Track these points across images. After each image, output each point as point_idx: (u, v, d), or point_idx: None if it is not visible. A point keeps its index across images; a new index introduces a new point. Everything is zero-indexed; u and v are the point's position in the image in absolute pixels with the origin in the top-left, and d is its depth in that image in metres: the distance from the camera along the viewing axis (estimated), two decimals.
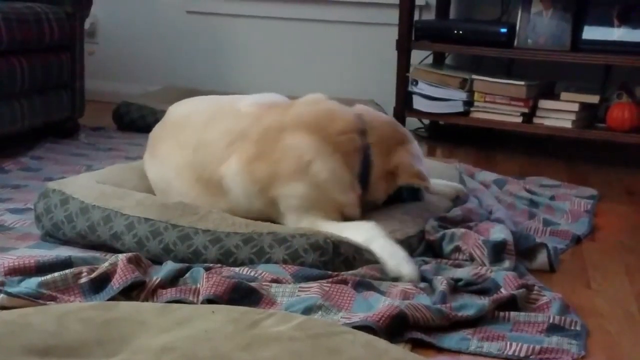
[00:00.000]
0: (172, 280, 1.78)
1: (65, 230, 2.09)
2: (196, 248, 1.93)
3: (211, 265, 1.87)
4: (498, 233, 2.05)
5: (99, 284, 1.74)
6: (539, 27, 3.48)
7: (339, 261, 1.89)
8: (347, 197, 2.08)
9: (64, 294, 1.70)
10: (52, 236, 2.13)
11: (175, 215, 2.00)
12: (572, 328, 1.65)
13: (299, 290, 1.75)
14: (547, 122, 3.46)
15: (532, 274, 1.98)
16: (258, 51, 4.38)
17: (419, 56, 3.80)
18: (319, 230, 1.95)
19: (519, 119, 3.49)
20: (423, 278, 1.88)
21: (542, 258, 2.07)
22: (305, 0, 4.23)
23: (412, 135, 2.27)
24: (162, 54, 4.53)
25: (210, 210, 2.04)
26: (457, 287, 1.84)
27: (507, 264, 1.96)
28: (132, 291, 1.73)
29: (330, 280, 1.79)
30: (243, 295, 1.70)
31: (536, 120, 3.49)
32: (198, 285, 1.74)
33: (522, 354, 1.54)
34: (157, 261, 1.92)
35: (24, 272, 1.78)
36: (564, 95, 3.42)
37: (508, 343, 1.58)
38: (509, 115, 3.50)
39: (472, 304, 1.71)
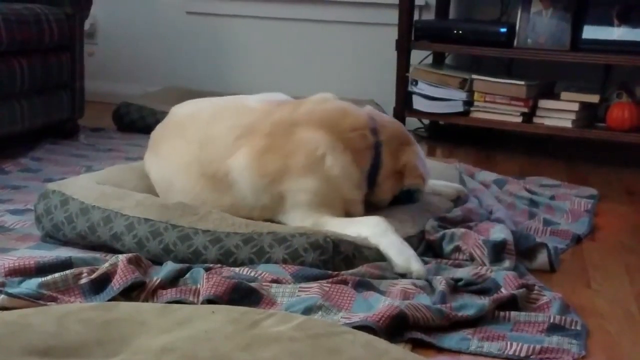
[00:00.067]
0: (172, 281, 1.78)
1: (65, 231, 2.09)
2: (196, 248, 1.93)
3: (211, 265, 1.87)
4: (498, 233, 2.05)
5: (99, 285, 1.74)
6: (539, 26, 3.48)
7: (339, 259, 1.89)
8: (355, 194, 2.09)
9: (64, 295, 1.70)
10: (52, 237, 2.13)
11: (175, 215, 2.00)
12: (573, 328, 1.65)
13: (299, 291, 1.75)
14: (547, 122, 3.46)
15: (532, 274, 1.98)
16: (258, 51, 4.38)
17: (419, 56, 3.80)
18: (319, 229, 1.96)
19: (519, 119, 3.49)
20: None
21: (542, 258, 2.07)
22: (305, 1, 4.23)
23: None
24: (162, 54, 4.54)
25: (210, 210, 2.04)
26: (457, 287, 1.84)
27: (507, 263, 1.96)
28: (132, 292, 1.73)
29: (330, 280, 1.79)
30: (243, 295, 1.70)
31: (536, 120, 3.49)
32: (198, 286, 1.74)
33: (523, 354, 1.54)
34: (157, 261, 1.92)
35: (24, 273, 1.78)
36: (564, 95, 3.42)
37: (508, 343, 1.58)
38: (509, 115, 3.50)
39: (472, 304, 1.71)
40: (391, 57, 3.72)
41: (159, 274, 1.79)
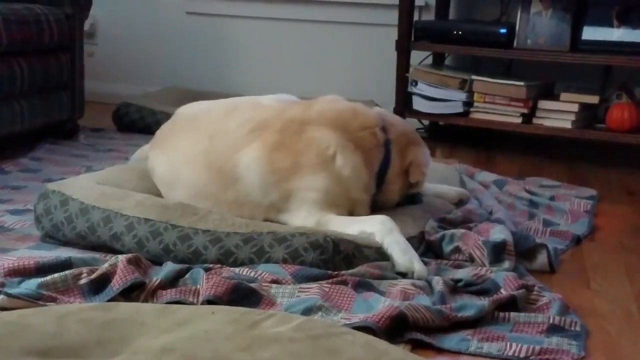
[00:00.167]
0: (172, 281, 1.78)
1: (65, 231, 2.09)
2: (196, 248, 1.93)
3: (211, 265, 1.87)
4: (498, 234, 2.05)
5: (98, 285, 1.74)
6: (539, 27, 3.48)
7: (339, 259, 1.90)
8: (363, 196, 2.10)
9: (64, 295, 1.70)
10: (52, 237, 2.13)
11: (175, 215, 2.00)
12: (572, 328, 1.65)
13: (298, 291, 1.75)
14: (547, 123, 3.46)
15: (532, 275, 1.98)
16: (258, 52, 4.38)
17: (419, 57, 3.80)
18: (320, 229, 1.96)
19: (519, 120, 3.49)
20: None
21: (542, 258, 2.07)
22: (305, 1, 4.23)
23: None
24: (162, 55, 4.54)
25: (210, 210, 2.04)
26: (457, 288, 1.84)
27: (507, 264, 1.96)
28: (132, 292, 1.73)
29: (330, 280, 1.79)
30: (243, 296, 1.70)
31: (536, 121, 3.49)
32: (198, 286, 1.74)
33: (522, 355, 1.54)
34: (157, 262, 1.92)
35: (24, 273, 1.78)
36: (563, 95, 3.42)
37: (508, 344, 1.58)
38: (509, 116, 3.50)
39: (472, 305, 1.71)
40: (391, 57, 3.72)
41: (158, 275, 1.79)
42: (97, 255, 1.98)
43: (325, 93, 2.29)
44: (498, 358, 1.55)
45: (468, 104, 3.57)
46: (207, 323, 1.52)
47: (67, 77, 3.48)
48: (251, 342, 1.45)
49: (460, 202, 2.39)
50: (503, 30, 3.52)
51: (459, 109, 3.58)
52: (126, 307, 1.59)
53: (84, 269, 1.78)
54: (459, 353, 1.57)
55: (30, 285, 1.71)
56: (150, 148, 2.37)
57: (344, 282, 1.79)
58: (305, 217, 2.03)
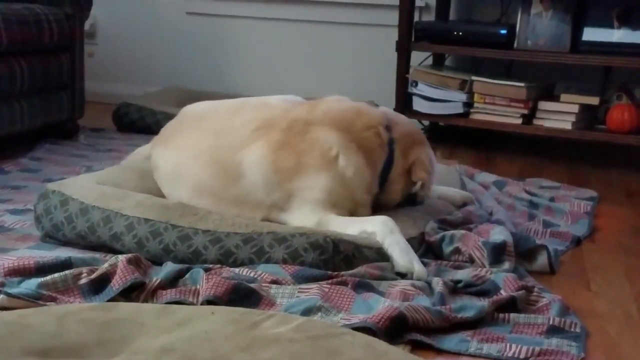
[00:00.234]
0: (172, 281, 1.78)
1: (65, 231, 2.09)
2: (196, 248, 1.93)
3: (211, 266, 1.87)
4: (498, 235, 2.05)
5: (98, 285, 1.74)
6: (539, 28, 3.48)
7: (339, 259, 1.90)
8: (365, 197, 2.11)
9: (64, 295, 1.70)
10: (51, 237, 2.13)
11: (175, 215, 2.00)
12: (572, 330, 1.65)
13: (298, 292, 1.75)
14: (547, 124, 3.46)
15: (532, 276, 1.98)
16: (258, 52, 4.38)
17: (419, 57, 3.80)
18: (320, 229, 1.96)
19: (519, 121, 3.49)
20: None
21: (542, 259, 2.07)
22: (305, 2, 4.23)
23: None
24: (162, 55, 4.54)
25: (210, 210, 2.04)
26: (456, 289, 1.84)
27: (506, 265, 1.96)
28: (132, 292, 1.73)
29: (329, 281, 1.79)
30: (243, 296, 1.70)
31: (536, 122, 3.49)
32: (198, 286, 1.74)
33: (522, 356, 1.54)
34: (157, 262, 1.92)
35: (24, 273, 1.78)
36: (563, 96, 3.42)
37: (508, 345, 1.58)
38: (509, 117, 3.50)
39: (471, 306, 1.71)
40: (391, 58, 3.72)
41: (158, 275, 1.79)
42: (97, 255, 1.98)
43: (326, 93, 2.29)
44: (498, 359, 1.55)
45: (468, 104, 3.57)
46: (207, 323, 1.52)
47: (67, 77, 3.48)
48: (251, 342, 1.45)
49: (464, 205, 2.39)
50: (503, 31, 3.52)
51: (459, 109, 3.58)
52: (126, 307, 1.59)
53: (84, 269, 1.78)
54: (458, 354, 1.57)
55: (30, 285, 1.71)
56: (154, 145, 2.37)
57: (344, 283, 1.79)
58: (306, 216, 2.03)
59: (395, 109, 3.69)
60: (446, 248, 2.04)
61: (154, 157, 2.32)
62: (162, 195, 2.24)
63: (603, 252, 2.28)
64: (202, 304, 1.68)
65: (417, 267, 1.89)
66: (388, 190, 2.17)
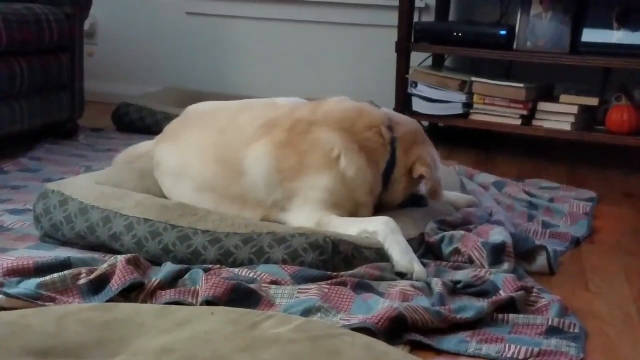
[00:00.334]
0: (172, 282, 1.78)
1: (64, 231, 2.09)
2: (196, 249, 1.93)
3: (210, 266, 1.87)
4: (497, 235, 2.05)
5: (98, 286, 1.74)
6: (539, 29, 3.48)
7: (339, 260, 1.90)
8: (367, 198, 2.11)
9: (63, 296, 1.70)
10: (51, 237, 2.13)
11: (175, 216, 2.00)
12: (571, 331, 1.65)
13: (298, 292, 1.75)
14: (547, 125, 3.46)
15: (531, 277, 1.98)
16: (258, 53, 4.38)
17: (419, 58, 3.80)
18: (320, 229, 1.96)
19: (518, 122, 3.49)
20: None
21: (541, 260, 2.07)
22: (304, 3, 4.23)
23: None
24: (162, 55, 4.54)
25: (210, 211, 2.05)
26: (456, 290, 1.84)
27: (506, 266, 1.96)
28: (131, 292, 1.73)
29: (329, 282, 1.79)
30: (242, 296, 1.70)
31: (535, 123, 3.49)
32: (197, 287, 1.74)
33: (521, 357, 1.54)
34: (157, 262, 1.92)
35: (23, 273, 1.78)
36: (563, 97, 3.42)
37: (507, 345, 1.58)
38: (508, 118, 3.50)
39: (471, 307, 1.71)
40: (391, 58, 3.72)
41: (158, 275, 1.79)
42: (96, 255, 1.98)
43: (326, 94, 2.30)
44: None
45: (468, 105, 3.57)
46: (206, 324, 1.52)
47: (67, 77, 3.48)
48: (251, 343, 1.45)
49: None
50: (503, 32, 3.52)
51: (459, 110, 3.58)
52: (126, 308, 1.59)
53: (83, 270, 1.78)
54: (458, 354, 1.57)
55: (30, 285, 1.70)
56: (158, 143, 2.38)
57: (344, 284, 1.79)
58: (306, 216, 2.04)
59: (395, 110, 3.69)
60: (446, 249, 2.04)
61: (157, 154, 2.32)
62: (162, 196, 2.24)
63: (602, 253, 2.28)
64: (201, 305, 1.68)
65: (417, 267, 1.89)
66: (391, 190, 2.17)
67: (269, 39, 4.35)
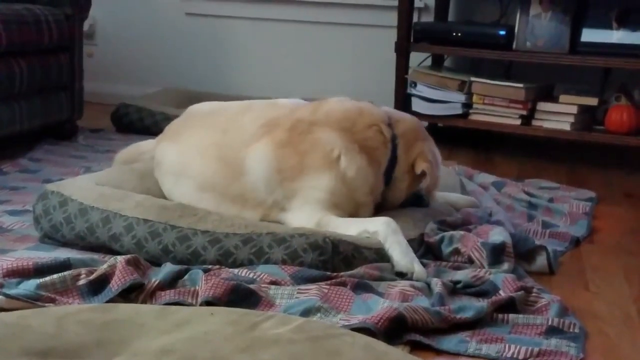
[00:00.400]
0: (171, 282, 1.78)
1: (64, 231, 2.09)
2: (195, 249, 1.93)
3: (210, 267, 1.86)
4: (497, 235, 2.05)
5: (97, 286, 1.74)
6: (538, 29, 3.48)
7: (338, 260, 1.90)
8: (367, 198, 2.11)
9: (63, 296, 1.70)
10: (50, 238, 2.12)
11: (174, 216, 2.00)
12: (571, 330, 1.65)
13: (297, 292, 1.75)
14: (546, 125, 3.46)
15: (531, 276, 1.98)
16: (257, 53, 4.38)
17: (418, 58, 3.80)
18: (320, 229, 1.96)
19: (518, 121, 3.49)
20: None
21: (541, 260, 2.07)
22: (304, 3, 4.23)
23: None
24: (161, 55, 4.54)
25: (209, 211, 2.05)
26: (455, 290, 1.84)
27: (506, 266, 1.96)
28: (131, 293, 1.73)
29: (329, 282, 1.79)
30: (242, 297, 1.70)
31: (535, 123, 3.49)
32: (197, 287, 1.74)
33: (521, 357, 1.54)
34: (156, 262, 1.92)
35: (22, 274, 1.78)
36: (562, 97, 3.42)
37: (506, 345, 1.58)
38: (508, 118, 3.50)
39: (470, 306, 1.71)
40: (390, 59, 3.72)
41: (157, 276, 1.79)
42: (96, 256, 1.98)
43: (325, 94, 2.30)
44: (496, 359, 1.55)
45: (467, 105, 3.57)
46: (206, 324, 1.52)
47: (67, 77, 3.48)
48: (251, 343, 1.45)
49: None
50: (502, 32, 3.53)
51: (458, 110, 3.58)
52: (125, 308, 1.59)
53: (83, 270, 1.78)
54: (457, 354, 1.57)
55: (29, 286, 1.70)
56: (159, 142, 2.38)
57: (343, 284, 1.79)
58: (306, 216, 2.04)
59: None
60: (445, 249, 2.04)
61: (158, 153, 2.32)
62: (162, 196, 2.24)
63: (602, 252, 2.28)
64: (201, 305, 1.68)
65: (417, 268, 1.90)
66: (394, 188, 2.17)
67: (268, 39, 4.35)
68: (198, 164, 2.20)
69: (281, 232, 1.93)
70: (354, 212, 2.10)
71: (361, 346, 1.47)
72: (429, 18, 3.99)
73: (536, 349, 1.55)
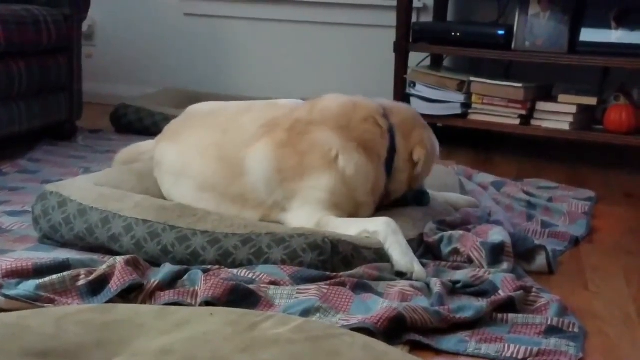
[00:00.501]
0: (170, 283, 1.78)
1: (63, 232, 2.09)
2: (195, 249, 1.93)
3: (209, 267, 1.86)
4: (496, 235, 2.05)
5: (96, 287, 1.74)
6: (537, 29, 3.48)
7: (338, 260, 1.90)
8: (368, 197, 2.11)
9: (62, 297, 1.70)
10: (50, 238, 2.12)
11: (174, 216, 2.00)
12: (570, 330, 1.65)
13: (297, 292, 1.75)
14: (545, 124, 3.46)
15: (530, 276, 1.98)
16: (256, 53, 4.38)
17: (417, 58, 3.80)
18: (319, 229, 1.96)
19: (517, 121, 3.49)
20: None
21: (540, 260, 2.07)
22: (303, 3, 4.23)
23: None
24: (160, 56, 4.53)
25: (209, 211, 2.05)
26: (455, 289, 1.84)
27: (505, 266, 1.96)
28: (130, 294, 1.73)
29: (328, 282, 1.79)
30: (241, 297, 1.70)
31: (534, 123, 3.49)
32: (196, 288, 1.74)
33: (520, 356, 1.54)
34: (156, 263, 1.92)
35: (22, 274, 1.78)
36: (561, 97, 3.42)
37: (506, 345, 1.58)
38: (507, 118, 3.50)
39: (470, 306, 1.71)
40: (389, 59, 3.72)
41: (156, 276, 1.79)
42: (95, 256, 1.98)
43: (324, 94, 2.29)
44: (496, 359, 1.55)
45: (466, 105, 3.57)
46: (205, 324, 1.51)
47: (66, 78, 3.48)
48: (250, 343, 1.45)
49: None
50: (501, 32, 3.53)
51: (457, 110, 3.58)
52: (125, 309, 1.59)
53: (82, 271, 1.78)
54: (457, 354, 1.57)
55: (28, 286, 1.70)
56: (158, 142, 2.38)
57: (343, 284, 1.79)
58: (306, 217, 2.04)
59: None
60: (445, 249, 2.04)
61: (158, 153, 2.32)
62: (161, 196, 2.24)
63: (601, 252, 2.28)
64: (200, 305, 1.68)
65: (417, 268, 1.90)
66: (395, 178, 2.17)
67: (267, 39, 4.35)
68: (198, 164, 2.20)
69: (280, 233, 1.93)
70: (354, 212, 2.10)
71: (360, 346, 1.47)
72: (427, 18, 3.99)
73: (535, 349, 1.56)
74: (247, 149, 2.12)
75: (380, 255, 1.94)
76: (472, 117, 3.58)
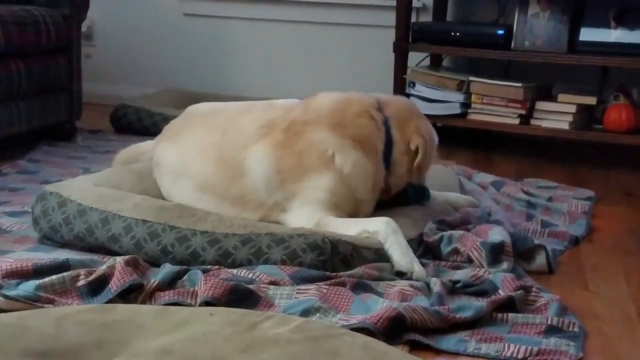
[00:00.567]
0: (170, 283, 1.78)
1: (62, 232, 2.09)
2: (194, 249, 1.93)
3: (209, 267, 1.87)
4: (496, 235, 2.05)
5: (96, 287, 1.74)
6: (536, 28, 3.48)
7: (338, 260, 1.90)
8: (367, 195, 2.11)
9: (62, 297, 1.70)
10: (49, 239, 2.12)
11: (173, 217, 2.00)
12: (570, 330, 1.65)
13: (297, 292, 1.75)
14: (545, 124, 3.46)
15: (530, 276, 1.98)
16: (256, 53, 4.38)
17: (416, 58, 3.80)
18: (319, 229, 1.96)
19: (516, 121, 3.49)
20: None
21: (540, 259, 2.07)
22: (302, 3, 4.23)
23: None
24: (160, 56, 4.53)
25: (208, 212, 2.05)
26: (455, 289, 1.84)
27: (505, 265, 1.96)
28: (130, 294, 1.73)
29: (328, 282, 1.79)
30: (241, 297, 1.70)
31: (533, 122, 3.49)
32: (196, 288, 1.74)
33: (520, 356, 1.54)
34: (156, 263, 1.92)
35: (22, 275, 1.78)
36: (561, 96, 3.42)
37: (506, 345, 1.58)
38: (507, 117, 3.50)
39: (470, 306, 1.71)
40: (389, 59, 3.72)
41: (156, 276, 1.79)
42: (95, 257, 1.98)
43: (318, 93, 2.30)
44: (496, 359, 1.55)
45: (466, 105, 3.57)
46: (205, 325, 1.51)
47: (65, 78, 3.48)
48: (250, 343, 1.45)
49: None
50: (501, 32, 3.53)
51: (457, 110, 3.58)
52: (124, 309, 1.59)
53: (82, 271, 1.78)
54: (457, 354, 1.57)
55: (28, 287, 1.70)
56: (158, 142, 2.38)
57: (342, 284, 1.79)
58: (306, 217, 2.04)
59: None
60: (445, 248, 2.04)
61: (157, 154, 2.32)
62: (161, 197, 2.24)
63: (601, 252, 2.28)
64: (200, 305, 1.68)
65: (417, 268, 1.90)
66: (394, 171, 2.17)
67: (266, 39, 4.35)
68: (197, 164, 2.20)
69: (280, 233, 1.93)
70: (354, 211, 2.09)
71: (360, 346, 1.47)
72: (427, 18, 3.99)
73: (535, 348, 1.56)
74: (247, 149, 2.12)
75: (380, 255, 1.94)
76: (472, 116, 3.58)
